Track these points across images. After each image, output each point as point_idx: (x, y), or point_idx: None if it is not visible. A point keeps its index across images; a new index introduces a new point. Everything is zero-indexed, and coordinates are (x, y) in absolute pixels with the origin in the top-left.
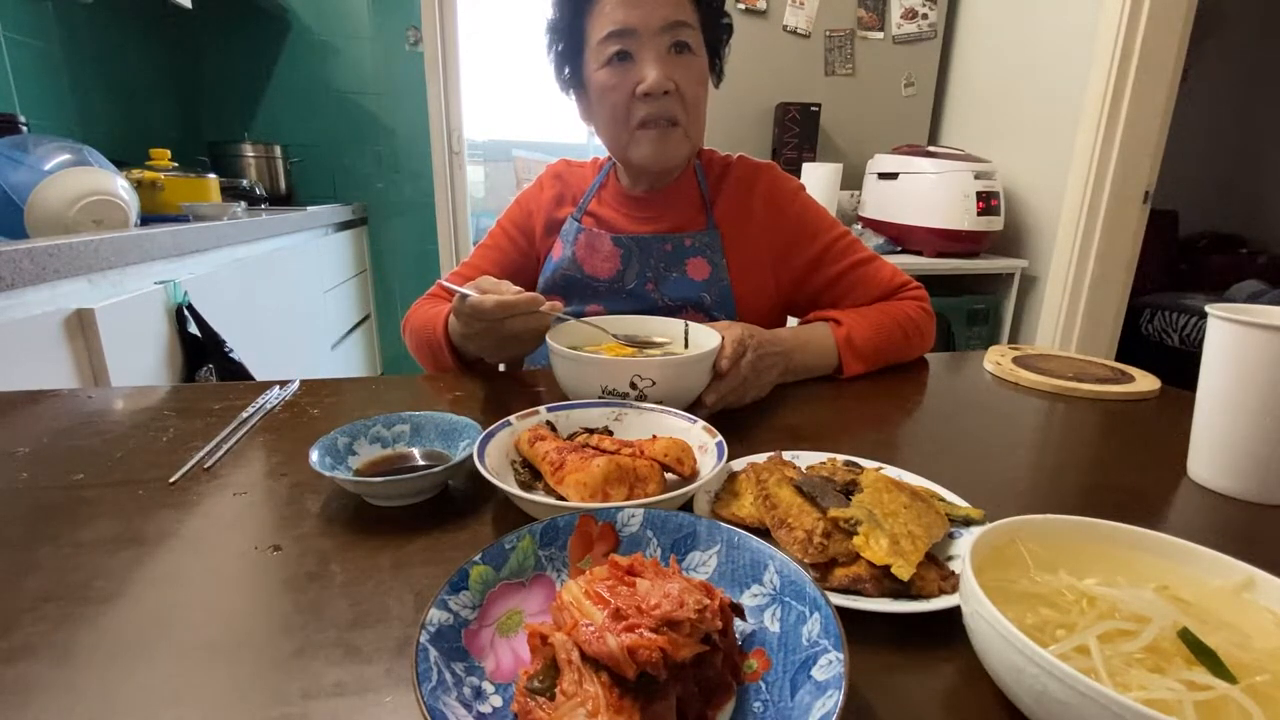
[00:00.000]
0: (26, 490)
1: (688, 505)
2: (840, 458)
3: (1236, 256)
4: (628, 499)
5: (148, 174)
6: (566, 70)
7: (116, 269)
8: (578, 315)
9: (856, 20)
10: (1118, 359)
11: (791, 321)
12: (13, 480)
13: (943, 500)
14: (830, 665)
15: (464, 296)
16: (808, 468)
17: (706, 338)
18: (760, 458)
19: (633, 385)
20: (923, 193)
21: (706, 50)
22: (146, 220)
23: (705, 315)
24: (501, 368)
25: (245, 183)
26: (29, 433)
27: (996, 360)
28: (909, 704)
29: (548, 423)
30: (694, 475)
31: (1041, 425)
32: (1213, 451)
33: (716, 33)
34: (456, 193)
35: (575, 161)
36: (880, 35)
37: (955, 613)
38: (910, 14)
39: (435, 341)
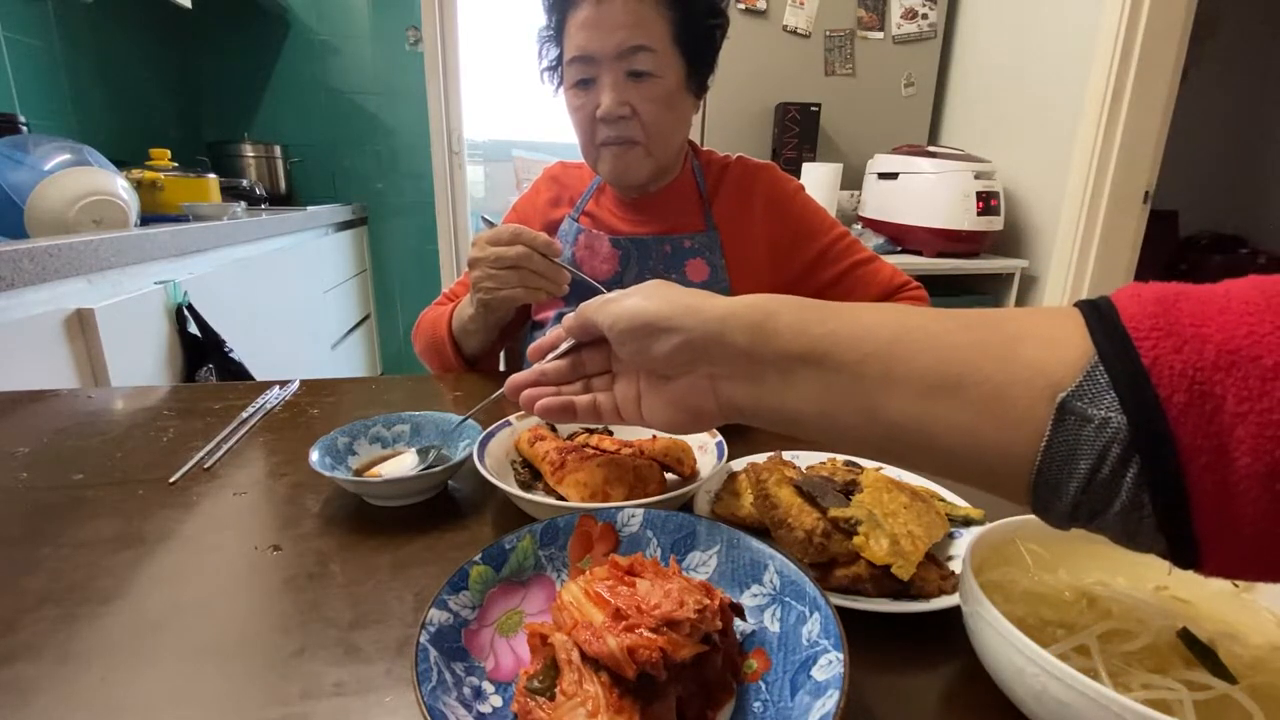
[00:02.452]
0: (26, 490)
1: (688, 505)
2: (840, 457)
3: (1236, 256)
4: (628, 499)
5: (148, 174)
6: (558, 74)
7: (116, 269)
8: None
9: (856, 20)
10: None
11: None
12: (13, 480)
13: (943, 500)
14: (830, 665)
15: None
16: (808, 468)
17: None
18: (760, 458)
19: None
20: (923, 193)
21: (685, 60)
22: (146, 220)
23: None
24: (501, 367)
25: (245, 183)
26: (29, 433)
27: None
28: (909, 704)
29: (548, 423)
30: (694, 475)
31: None
32: None
33: (699, 38)
34: (456, 193)
35: (572, 163)
36: (880, 35)
37: (955, 613)
38: (910, 14)
39: (439, 337)
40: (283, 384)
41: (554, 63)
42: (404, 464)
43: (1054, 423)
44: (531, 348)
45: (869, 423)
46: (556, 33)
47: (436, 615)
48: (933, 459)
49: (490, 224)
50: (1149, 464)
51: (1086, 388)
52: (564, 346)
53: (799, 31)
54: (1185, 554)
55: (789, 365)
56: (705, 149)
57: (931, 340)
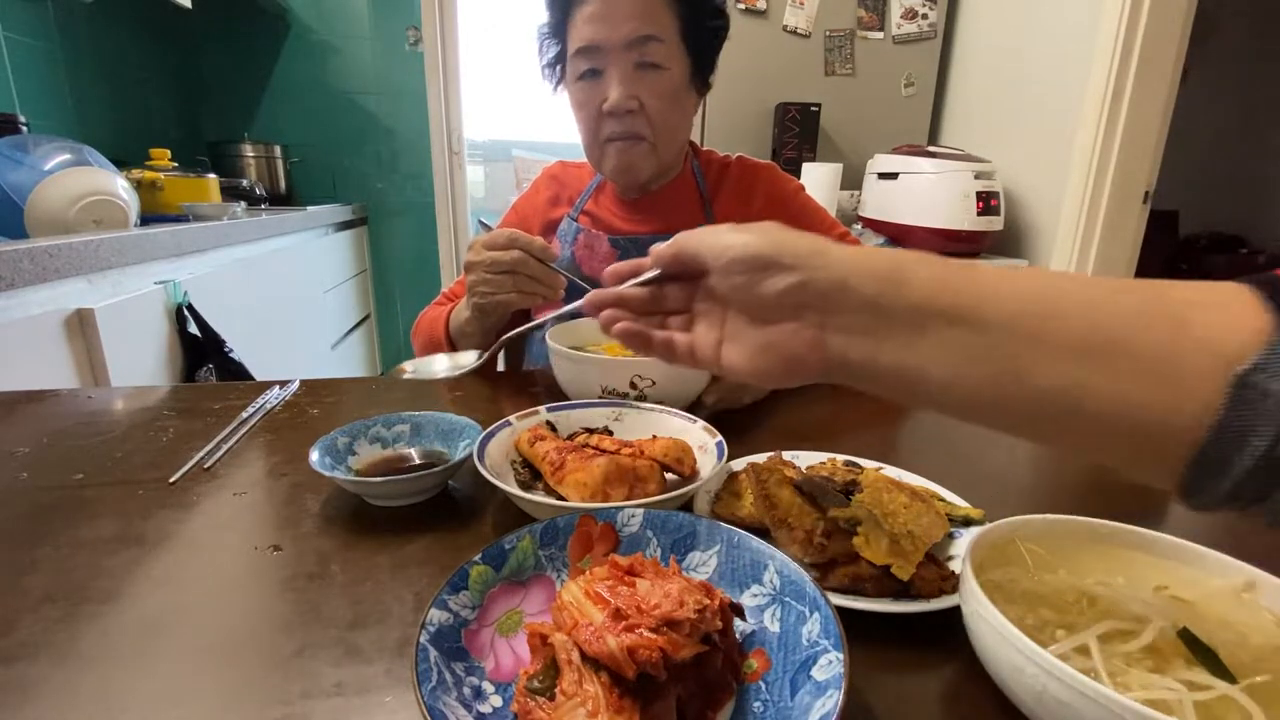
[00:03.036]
0: (26, 490)
1: (688, 505)
2: (840, 458)
3: (1236, 256)
4: (628, 499)
5: (148, 174)
6: (559, 71)
7: (116, 269)
8: (575, 315)
9: (856, 20)
10: None
11: None
12: (13, 480)
13: (943, 500)
14: (830, 665)
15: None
16: (808, 468)
17: None
18: (760, 458)
19: (633, 385)
20: (922, 193)
21: (690, 57)
22: (146, 220)
23: None
24: (500, 367)
25: (245, 183)
26: (29, 433)
27: None
28: (909, 704)
29: (548, 423)
30: (694, 475)
31: None
32: None
33: (703, 37)
34: (456, 193)
35: (572, 163)
36: (880, 35)
37: (955, 613)
38: (910, 14)
39: (437, 338)
40: (283, 384)
41: (554, 59)
42: (464, 361)
43: (1229, 396)
44: (609, 270)
45: (1009, 388)
46: (558, 28)
47: (436, 615)
48: (1077, 431)
49: (487, 227)
50: None
51: (1269, 361)
52: (649, 275)
53: (799, 31)
54: None
55: (923, 320)
56: (705, 149)
57: (1088, 301)
